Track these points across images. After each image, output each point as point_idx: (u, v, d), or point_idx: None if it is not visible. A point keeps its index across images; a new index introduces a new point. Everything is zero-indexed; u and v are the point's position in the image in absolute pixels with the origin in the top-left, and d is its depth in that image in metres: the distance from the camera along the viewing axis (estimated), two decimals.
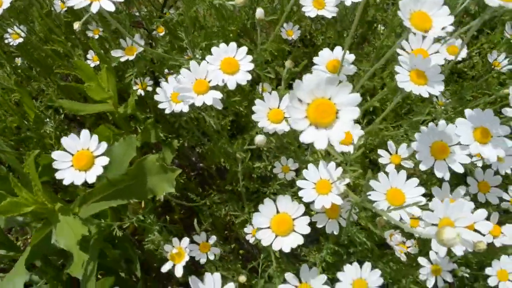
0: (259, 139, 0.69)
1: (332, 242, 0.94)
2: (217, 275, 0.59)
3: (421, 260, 0.75)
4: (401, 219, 0.65)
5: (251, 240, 0.88)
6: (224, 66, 0.66)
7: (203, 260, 0.86)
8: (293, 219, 0.66)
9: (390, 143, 0.78)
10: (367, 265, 0.63)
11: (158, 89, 0.75)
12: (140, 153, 1.18)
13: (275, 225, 0.66)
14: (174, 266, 0.79)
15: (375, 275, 0.63)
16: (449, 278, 0.75)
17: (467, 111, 0.66)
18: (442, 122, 0.67)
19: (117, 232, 1.03)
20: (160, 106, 0.75)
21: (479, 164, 0.78)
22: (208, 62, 0.67)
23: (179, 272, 0.77)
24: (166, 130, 1.12)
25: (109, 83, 0.82)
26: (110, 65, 0.82)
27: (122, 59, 0.83)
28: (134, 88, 1.00)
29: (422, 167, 0.66)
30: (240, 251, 1.29)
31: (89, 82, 0.78)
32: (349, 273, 0.63)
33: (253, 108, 0.75)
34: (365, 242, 0.89)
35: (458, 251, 0.62)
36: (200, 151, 1.34)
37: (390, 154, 0.78)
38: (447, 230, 0.48)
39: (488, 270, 0.73)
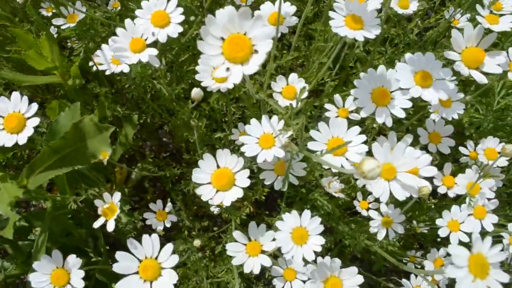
0: (195, 91, 0.68)
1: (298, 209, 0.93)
2: (155, 236, 0.58)
3: (372, 213, 0.74)
4: (342, 166, 0.64)
5: (216, 211, 0.86)
6: (155, 19, 0.65)
7: (159, 228, 0.84)
8: (234, 173, 0.65)
9: (337, 97, 0.76)
10: (307, 213, 0.62)
11: (97, 52, 0.74)
12: None
13: (216, 180, 0.64)
14: (106, 222, 0.77)
15: (315, 222, 0.61)
16: (400, 230, 0.74)
17: (407, 55, 0.65)
18: (381, 67, 0.65)
19: (80, 209, 1.02)
20: (101, 68, 0.73)
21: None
22: (138, 17, 0.65)
23: (110, 227, 0.75)
24: (129, 108, 1.11)
25: (53, 52, 0.80)
26: (49, 32, 0.80)
27: (64, 27, 0.81)
28: (90, 64, 0.98)
29: (363, 114, 0.65)
30: (214, 228, 1.28)
31: (29, 50, 0.76)
32: (288, 221, 0.62)
33: (197, 68, 0.74)
34: (327, 206, 0.88)
35: (400, 195, 0.61)
36: (168, 130, 1.33)
37: (337, 108, 0.77)
38: (366, 161, 0.47)
39: (439, 221, 0.73)
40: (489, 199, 0.75)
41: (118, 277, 0.56)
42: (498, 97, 0.84)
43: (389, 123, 0.65)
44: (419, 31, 1.14)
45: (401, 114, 0.64)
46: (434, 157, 0.82)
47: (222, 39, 0.47)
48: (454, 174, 0.79)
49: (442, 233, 0.72)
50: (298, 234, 0.61)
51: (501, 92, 0.84)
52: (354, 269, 0.64)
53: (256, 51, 0.48)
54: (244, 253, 0.70)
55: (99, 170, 1.14)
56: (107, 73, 0.72)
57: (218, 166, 0.65)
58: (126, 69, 0.71)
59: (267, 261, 0.69)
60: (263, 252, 0.70)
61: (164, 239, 0.87)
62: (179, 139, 1.21)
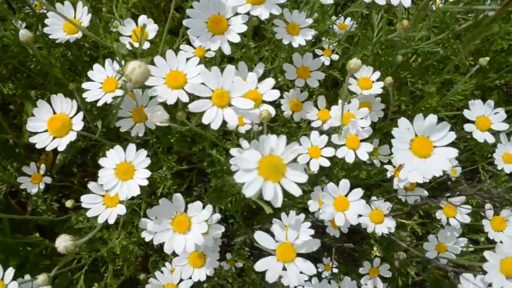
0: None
1: None
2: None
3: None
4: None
5: None
6: None
7: (34, 190, 0.83)
8: (71, 118, 0.63)
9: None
10: (131, 147, 0.59)
11: None
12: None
13: (51, 127, 0.62)
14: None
15: (141, 156, 0.58)
16: None
17: None
18: None
19: None
20: None
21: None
22: None
23: None
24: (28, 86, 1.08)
25: None
26: None
27: None
28: None
29: (198, 43, 0.62)
30: None
31: None
32: (112, 157, 0.59)
33: (46, 21, 0.72)
34: None
35: (232, 121, 0.57)
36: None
37: (194, 48, 0.74)
38: (128, 64, 0.44)
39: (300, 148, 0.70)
40: (362, 128, 0.71)
41: None
42: (377, 29, 0.81)
43: (227, 49, 0.62)
44: None
45: (235, 39, 0.61)
46: (307, 90, 0.79)
47: None
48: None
49: (302, 160, 0.69)
50: (122, 169, 0.58)
51: (379, 24, 0.81)
52: (199, 203, 0.61)
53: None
54: (101, 204, 0.67)
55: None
56: None
57: (54, 113, 0.63)
58: None
59: (122, 210, 0.66)
60: (121, 202, 0.68)
61: None
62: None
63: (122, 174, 0.58)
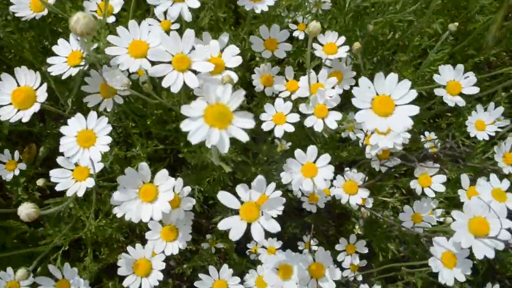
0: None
1: None
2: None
3: None
4: None
5: None
6: None
7: (9, 177, 0.83)
8: (35, 90, 0.63)
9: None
10: (93, 114, 0.59)
11: None
12: None
13: (15, 99, 0.62)
14: None
15: (102, 123, 0.58)
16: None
17: None
18: None
19: None
20: None
21: None
22: None
23: None
24: None
25: None
26: None
27: None
28: None
29: (158, 11, 0.62)
30: None
31: None
32: (73, 125, 0.59)
33: None
34: None
35: (192, 84, 0.57)
36: None
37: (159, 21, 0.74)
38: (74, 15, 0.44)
39: (263, 116, 0.70)
40: (330, 97, 0.71)
41: None
42: None
43: (187, 15, 0.62)
44: None
45: (195, 4, 0.61)
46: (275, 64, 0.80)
47: None
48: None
49: (266, 127, 0.69)
50: (84, 137, 0.58)
51: None
52: (164, 172, 0.61)
53: None
54: (70, 178, 0.67)
55: None
56: None
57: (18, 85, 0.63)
58: None
59: (91, 183, 0.66)
60: (91, 175, 0.68)
61: None
62: None
63: (84, 141, 0.58)
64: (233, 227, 0.54)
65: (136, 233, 1.05)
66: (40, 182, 0.76)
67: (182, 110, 0.42)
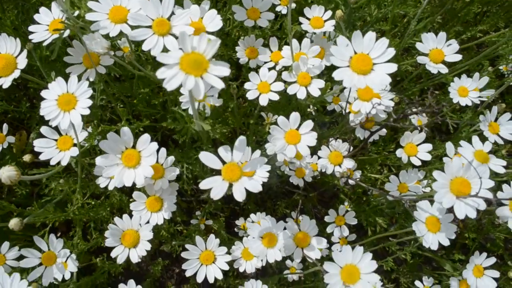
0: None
1: None
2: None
3: None
4: None
5: None
6: None
7: None
8: (15, 57, 0.63)
9: None
10: (73, 78, 0.59)
11: None
12: None
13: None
14: None
15: (83, 87, 0.58)
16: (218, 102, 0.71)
17: None
18: None
19: None
20: None
21: None
22: None
23: None
24: None
25: None
26: None
27: None
28: None
29: None
30: None
31: None
32: (53, 89, 0.59)
33: None
34: None
35: (172, 47, 0.57)
36: None
37: None
38: None
39: (247, 85, 0.70)
40: (313, 66, 0.72)
41: None
42: None
43: None
44: None
45: None
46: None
47: None
48: None
49: (250, 95, 0.69)
50: (64, 100, 0.58)
51: None
52: (146, 136, 0.61)
53: None
54: (54, 148, 0.67)
55: None
56: None
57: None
58: None
59: (75, 152, 0.67)
60: (74, 145, 0.68)
61: None
62: None
63: (64, 104, 0.58)
64: (215, 186, 0.54)
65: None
66: (27, 157, 0.76)
67: (158, 58, 0.43)
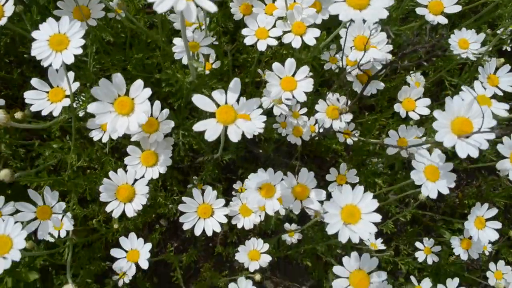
0: None
1: None
2: None
3: None
4: None
5: None
6: None
7: None
8: (2, 5, 0.61)
9: None
10: (65, 18, 0.58)
11: None
12: None
13: None
14: None
15: (75, 27, 0.57)
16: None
17: None
18: None
19: None
20: None
21: None
22: None
23: None
24: None
25: None
26: None
27: None
28: None
29: None
30: None
31: None
32: (44, 30, 0.57)
33: None
34: None
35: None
36: None
37: None
38: None
39: (244, 31, 0.69)
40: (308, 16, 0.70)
41: None
42: None
43: None
44: None
45: None
46: None
47: None
48: None
49: (248, 41, 0.68)
50: (56, 40, 0.56)
51: None
52: (139, 82, 0.60)
53: None
54: (46, 100, 0.66)
55: None
56: None
57: None
58: None
59: (67, 103, 0.65)
60: (67, 96, 0.66)
61: None
62: None
63: (56, 45, 0.56)
64: (209, 128, 0.53)
65: None
66: (18, 114, 0.75)
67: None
